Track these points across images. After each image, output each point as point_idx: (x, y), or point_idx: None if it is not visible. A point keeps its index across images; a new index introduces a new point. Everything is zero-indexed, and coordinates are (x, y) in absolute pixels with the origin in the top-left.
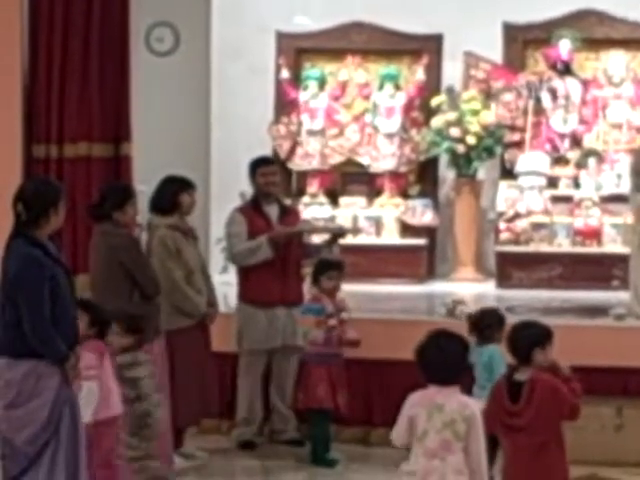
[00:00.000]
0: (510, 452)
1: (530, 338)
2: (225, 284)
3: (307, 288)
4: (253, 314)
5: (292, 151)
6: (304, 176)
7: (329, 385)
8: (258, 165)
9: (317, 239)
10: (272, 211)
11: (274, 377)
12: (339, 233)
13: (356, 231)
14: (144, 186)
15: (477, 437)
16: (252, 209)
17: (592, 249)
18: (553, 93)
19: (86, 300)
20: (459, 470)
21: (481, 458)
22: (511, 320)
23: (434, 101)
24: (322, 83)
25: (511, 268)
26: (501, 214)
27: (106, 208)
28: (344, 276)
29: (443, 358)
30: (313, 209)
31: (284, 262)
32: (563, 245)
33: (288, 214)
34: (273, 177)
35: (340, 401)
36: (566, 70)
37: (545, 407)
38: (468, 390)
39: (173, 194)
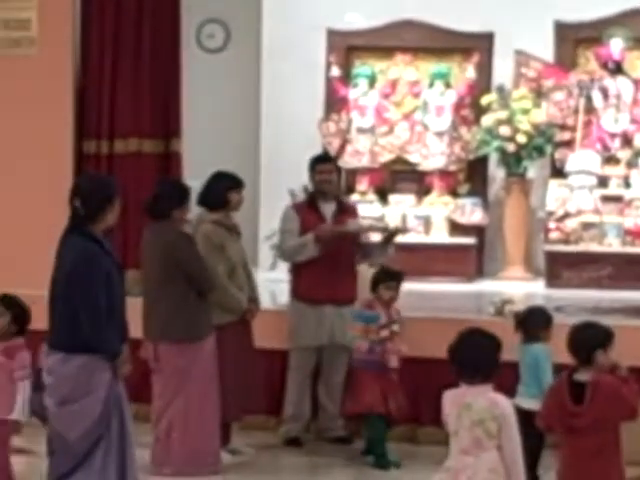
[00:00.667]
0: (569, 453)
1: (592, 339)
2: (273, 281)
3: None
4: (302, 311)
5: (342, 149)
6: (354, 174)
7: (378, 390)
8: (316, 162)
9: (375, 238)
10: (328, 209)
11: (322, 375)
12: (393, 233)
13: (405, 230)
14: (195, 182)
15: (510, 435)
16: (307, 206)
17: None
18: (604, 92)
19: (10, 297)
20: (493, 468)
21: (515, 456)
22: (559, 320)
23: (484, 99)
24: (372, 81)
25: (560, 267)
26: (551, 213)
27: (164, 206)
28: (401, 286)
29: (472, 356)
30: (362, 207)
31: (335, 260)
32: (613, 245)
33: (344, 212)
34: (329, 175)
35: (392, 406)
36: (617, 69)
37: (607, 409)
38: (511, 388)
39: (222, 191)
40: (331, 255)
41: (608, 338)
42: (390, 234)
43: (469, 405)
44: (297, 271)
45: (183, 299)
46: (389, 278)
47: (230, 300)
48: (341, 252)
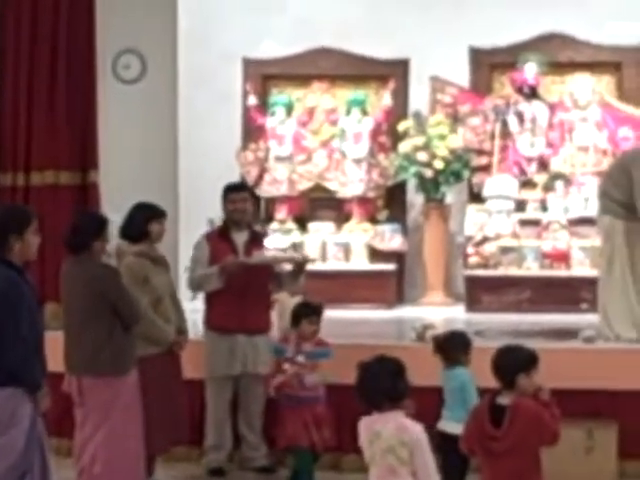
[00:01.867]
0: (489, 476)
1: (514, 363)
2: (194, 311)
3: (279, 313)
4: (214, 341)
5: (260, 177)
6: (272, 202)
7: (301, 422)
8: (228, 191)
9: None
10: (240, 238)
11: (240, 405)
12: (301, 263)
13: (313, 260)
14: (115, 215)
15: (423, 460)
16: (219, 235)
17: (560, 272)
18: (520, 117)
19: None
20: None
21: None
22: (480, 344)
23: (401, 126)
24: (289, 109)
25: (480, 292)
26: (469, 238)
27: (84, 238)
28: (322, 318)
29: (373, 383)
30: (277, 236)
31: (246, 290)
32: (532, 268)
33: (257, 241)
34: (242, 204)
35: (315, 437)
36: (532, 93)
37: (527, 433)
38: (436, 412)
39: (143, 222)
40: (242, 284)
41: (531, 361)
42: (298, 264)
43: (378, 433)
44: (209, 301)
45: (108, 332)
46: (311, 312)
47: (156, 332)
48: (252, 281)
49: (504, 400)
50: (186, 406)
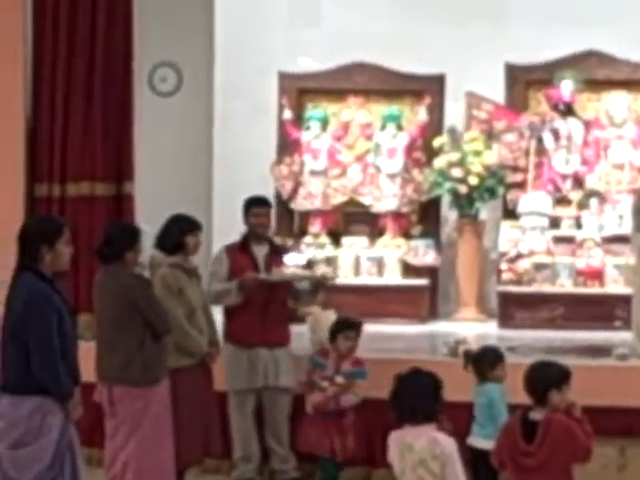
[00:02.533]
0: None
1: (546, 378)
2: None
3: (312, 327)
4: (235, 354)
5: (295, 191)
6: (306, 216)
7: (323, 432)
8: (252, 205)
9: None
10: (260, 251)
11: (266, 418)
12: (320, 281)
13: (333, 278)
14: (148, 226)
15: (454, 473)
16: (239, 248)
17: (594, 289)
18: (555, 134)
19: None
20: None
21: None
22: (513, 360)
23: (436, 141)
24: (324, 123)
25: (513, 308)
26: (503, 254)
27: (116, 248)
28: (360, 336)
29: (410, 397)
30: (315, 250)
31: (267, 303)
32: (565, 285)
33: (277, 255)
34: (265, 218)
35: (337, 447)
36: (568, 111)
37: (559, 449)
38: (467, 427)
39: (179, 234)
40: (263, 299)
41: (563, 378)
42: (316, 283)
43: (410, 446)
44: (229, 314)
45: (140, 342)
46: (347, 327)
47: (190, 343)
48: (273, 296)
49: (536, 416)
50: (218, 418)
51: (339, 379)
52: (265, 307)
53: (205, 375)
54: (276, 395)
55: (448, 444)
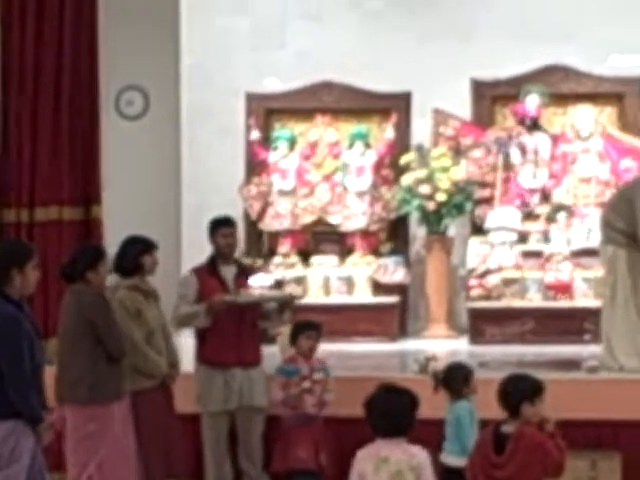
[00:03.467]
0: None
1: (519, 391)
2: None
3: (281, 347)
4: (209, 375)
5: (263, 211)
6: (275, 236)
7: (311, 445)
8: (218, 225)
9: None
10: (229, 272)
11: (239, 439)
12: (287, 301)
13: (300, 297)
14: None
15: None
16: (207, 270)
17: (564, 303)
18: (522, 148)
19: None
20: None
21: None
22: (484, 375)
23: (404, 159)
24: (292, 143)
25: (483, 324)
26: (472, 270)
27: (79, 268)
28: (321, 336)
29: (389, 410)
30: (284, 270)
31: (239, 324)
32: (535, 300)
33: (245, 275)
34: (232, 238)
35: (323, 461)
36: (534, 125)
37: (529, 462)
38: (439, 444)
39: (135, 255)
40: (235, 319)
41: (536, 391)
42: (284, 302)
43: (386, 458)
44: (202, 336)
45: (92, 362)
46: (308, 328)
47: (149, 365)
48: (244, 316)
49: (508, 429)
50: (180, 440)
51: (318, 375)
52: (237, 328)
53: (165, 397)
54: (251, 415)
55: (424, 456)
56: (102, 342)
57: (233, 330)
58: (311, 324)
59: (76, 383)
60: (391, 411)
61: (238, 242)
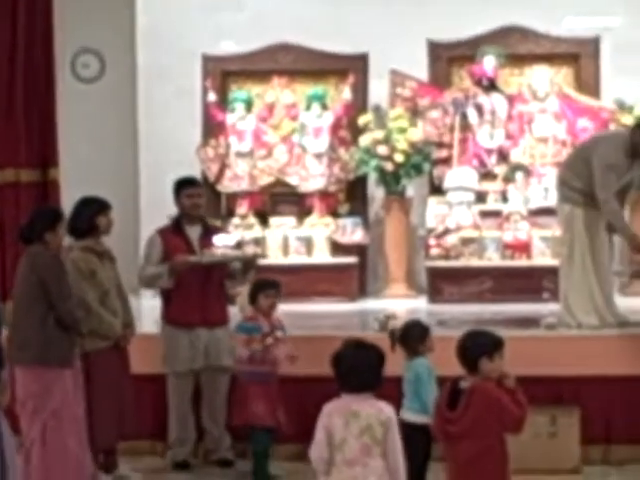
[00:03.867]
0: (448, 460)
1: (477, 347)
2: (156, 308)
3: (240, 306)
4: (175, 335)
5: (221, 173)
6: (233, 198)
7: (268, 402)
8: (183, 186)
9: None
10: (194, 232)
11: (204, 398)
12: (249, 260)
13: (262, 256)
14: None
15: (394, 441)
16: (172, 230)
17: (522, 262)
18: (479, 109)
19: None
20: (380, 475)
21: (398, 464)
22: (442, 333)
23: (361, 120)
24: (249, 105)
25: (442, 283)
26: (431, 230)
27: (36, 230)
28: (280, 295)
29: (357, 366)
30: (243, 231)
31: (204, 284)
32: (493, 259)
33: (210, 235)
34: (198, 199)
35: (281, 418)
36: (491, 86)
37: (484, 416)
38: (397, 403)
39: (90, 216)
40: (200, 279)
41: (495, 346)
42: (247, 262)
43: (356, 412)
44: (167, 296)
45: (42, 324)
46: (267, 286)
47: (104, 326)
48: (209, 276)
49: (466, 384)
50: (133, 400)
51: (280, 333)
52: (202, 288)
53: (120, 358)
54: (216, 375)
55: (390, 410)
56: (52, 304)
57: (198, 290)
58: (270, 283)
59: (24, 344)
60: (360, 366)
61: (203, 202)
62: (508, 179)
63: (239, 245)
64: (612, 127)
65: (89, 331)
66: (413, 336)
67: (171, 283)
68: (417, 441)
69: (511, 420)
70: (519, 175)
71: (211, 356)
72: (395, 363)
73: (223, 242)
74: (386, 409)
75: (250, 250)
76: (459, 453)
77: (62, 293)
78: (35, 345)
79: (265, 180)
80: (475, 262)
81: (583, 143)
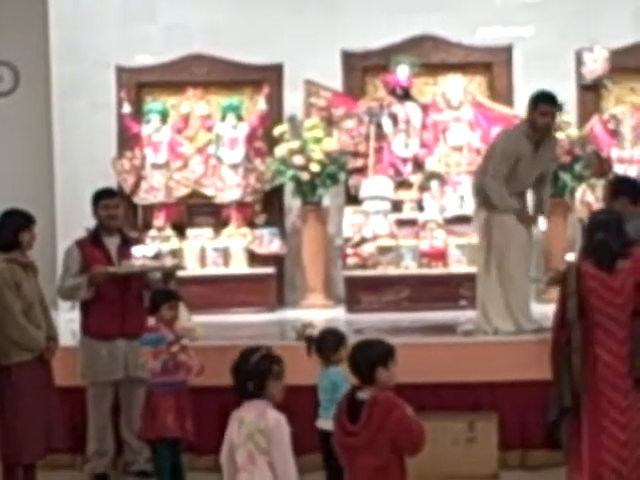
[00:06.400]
0: (349, 475)
1: (372, 357)
2: (73, 320)
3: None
4: (94, 347)
5: (137, 185)
6: (150, 210)
7: (178, 413)
8: (100, 197)
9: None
10: (112, 243)
11: (123, 410)
12: (169, 271)
13: (182, 267)
14: None
15: (280, 451)
16: (91, 242)
17: (438, 270)
18: (394, 118)
19: None
20: None
21: (288, 473)
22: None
23: (277, 130)
24: (164, 116)
25: (360, 292)
26: (348, 239)
27: None
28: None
29: (241, 371)
30: (155, 244)
31: (123, 295)
32: (410, 267)
33: (129, 246)
34: (115, 210)
35: (188, 428)
36: (405, 95)
37: (385, 426)
38: (314, 412)
39: (14, 232)
40: (118, 290)
41: (388, 354)
42: (167, 273)
43: (242, 419)
44: (86, 308)
45: None
46: (171, 298)
47: (28, 338)
48: (128, 287)
49: (364, 395)
50: (59, 413)
51: (185, 341)
52: (121, 298)
53: (44, 370)
54: (135, 386)
55: (274, 418)
56: None
57: (116, 301)
58: (171, 294)
59: None
60: (243, 371)
61: (121, 213)
62: (424, 188)
63: (157, 256)
64: None
65: (13, 343)
66: (328, 344)
67: (90, 294)
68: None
69: (408, 432)
70: (434, 184)
71: (130, 368)
72: (309, 372)
73: (142, 253)
74: (270, 416)
75: (169, 261)
76: (360, 467)
77: None
78: None
79: (181, 191)
80: (392, 271)
81: (490, 143)
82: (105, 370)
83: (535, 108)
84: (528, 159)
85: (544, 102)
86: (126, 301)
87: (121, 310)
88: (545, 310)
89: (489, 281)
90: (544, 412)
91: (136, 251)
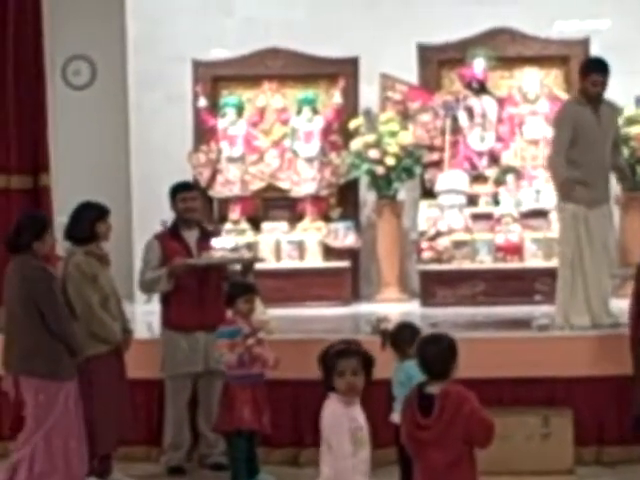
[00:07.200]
0: (420, 469)
1: (445, 352)
2: (150, 313)
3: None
4: (174, 339)
5: (212, 179)
6: (225, 203)
7: (255, 406)
8: (178, 190)
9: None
10: (191, 236)
11: (200, 402)
12: (248, 263)
13: (260, 259)
14: (65, 218)
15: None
16: (170, 235)
17: (514, 264)
18: (469, 112)
19: None
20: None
21: None
22: None
23: (352, 124)
24: (240, 110)
25: (434, 286)
26: (423, 233)
27: (24, 238)
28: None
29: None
30: (231, 237)
31: (203, 287)
32: (485, 262)
33: (208, 239)
34: (193, 202)
35: (265, 421)
36: (481, 89)
37: (457, 419)
38: (388, 406)
39: (89, 224)
40: (198, 283)
41: (456, 348)
42: (246, 265)
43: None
44: (166, 300)
45: (42, 335)
46: (248, 291)
47: (105, 330)
48: (207, 279)
49: (433, 389)
50: (130, 405)
51: (261, 334)
52: (200, 291)
53: (118, 362)
54: (214, 379)
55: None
56: (43, 316)
57: (196, 293)
58: (248, 286)
59: (29, 355)
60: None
61: (199, 206)
62: (499, 182)
63: (235, 249)
64: None
65: (91, 335)
66: (404, 338)
67: (170, 286)
68: None
69: (480, 424)
70: (510, 178)
71: (210, 360)
72: (384, 366)
73: (221, 245)
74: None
75: (247, 254)
76: (432, 460)
77: (55, 314)
78: (41, 357)
79: (257, 185)
80: (467, 265)
81: None
82: (185, 362)
83: (586, 77)
84: (592, 125)
85: (595, 72)
86: (205, 293)
87: (200, 302)
88: (621, 304)
89: (568, 274)
90: (630, 406)
91: (215, 243)
